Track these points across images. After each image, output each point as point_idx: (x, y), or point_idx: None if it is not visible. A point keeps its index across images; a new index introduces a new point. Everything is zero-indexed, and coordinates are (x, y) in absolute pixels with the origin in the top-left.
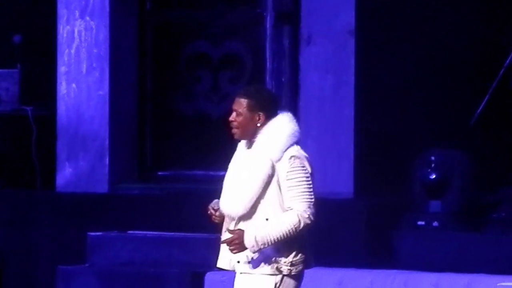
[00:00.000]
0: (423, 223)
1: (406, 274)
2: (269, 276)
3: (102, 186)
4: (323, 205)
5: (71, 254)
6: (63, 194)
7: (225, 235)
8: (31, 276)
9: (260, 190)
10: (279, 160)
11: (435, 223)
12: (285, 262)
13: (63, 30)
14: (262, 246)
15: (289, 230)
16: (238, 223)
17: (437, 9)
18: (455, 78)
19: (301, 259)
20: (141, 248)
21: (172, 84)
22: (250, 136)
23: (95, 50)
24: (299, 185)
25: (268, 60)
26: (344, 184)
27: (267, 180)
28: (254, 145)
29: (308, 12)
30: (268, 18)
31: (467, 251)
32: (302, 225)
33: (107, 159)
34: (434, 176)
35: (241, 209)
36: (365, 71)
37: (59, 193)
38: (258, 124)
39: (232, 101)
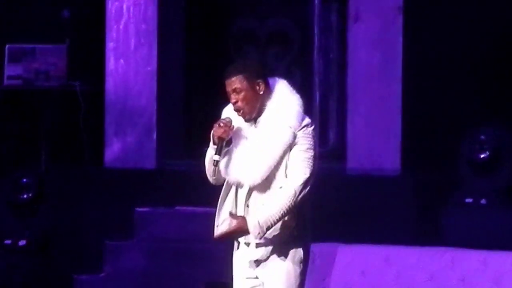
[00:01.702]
0: (471, 200)
1: (453, 251)
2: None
3: (149, 162)
4: (371, 182)
5: (119, 229)
6: (111, 170)
7: (225, 208)
8: (79, 250)
9: (279, 159)
10: (299, 129)
11: (483, 201)
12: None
13: (111, 6)
14: (266, 230)
15: (288, 206)
16: (249, 192)
17: None
18: (505, 55)
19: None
20: (189, 224)
21: (219, 60)
22: (258, 109)
23: (143, 26)
24: (306, 152)
25: (316, 37)
26: (391, 161)
27: (286, 149)
28: (266, 114)
29: None
30: None
31: None
32: (300, 196)
33: (155, 135)
34: (482, 154)
35: (258, 178)
36: (413, 48)
37: (107, 168)
38: (261, 93)
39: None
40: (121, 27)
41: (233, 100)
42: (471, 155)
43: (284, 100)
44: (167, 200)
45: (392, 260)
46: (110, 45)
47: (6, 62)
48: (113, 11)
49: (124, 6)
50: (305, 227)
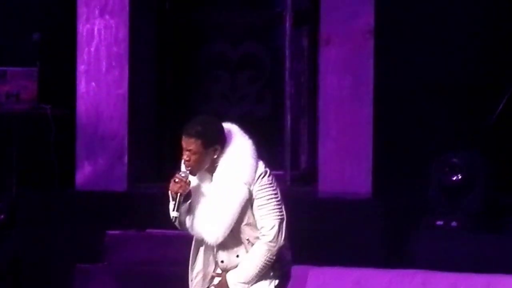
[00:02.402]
0: (441, 223)
1: (424, 273)
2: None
3: (120, 185)
4: (341, 205)
5: (89, 252)
6: (82, 193)
7: (198, 263)
8: (50, 274)
9: (238, 216)
10: (254, 183)
11: (454, 223)
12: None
13: (82, 28)
14: (248, 285)
15: (266, 260)
16: (218, 247)
17: (457, 11)
18: (474, 79)
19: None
20: (160, 247)
21: (190, 84)
22: (209, 167)
23: (114, 49)
24: (268, 203)
25: (287, 61)
26: (362, 185)
27: (246, 204)
28: (220, 170)
29: (327, 12)
30: (287, 18)
31: (486, 251)
32: (275, 249)
33: (126, 158)
34: (452, 177)
35: (220, 237)
36: (384, 72)
37: (78, 191)
38: (215, 156)
39: (185, 138)
40: (92, 49)
41: (186, 158)
42: (443, 178)
43: (237, 153)
44: (138, 223)
45: (363, 283)
46: (81, 68)
47: None
48: (84, 34)
49: (95, 29)
50: (281, 263)
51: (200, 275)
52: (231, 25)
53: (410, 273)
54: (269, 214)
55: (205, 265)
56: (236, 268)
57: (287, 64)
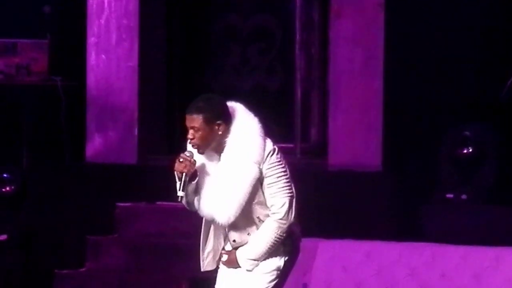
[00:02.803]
0: (451, 196)
1: (434, 246)
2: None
3: (131, 157)
4: (352, 178)
5: (100, 224)
6: (92, 165)
7: (209, 243)
8: (60, 245)
9: (249, 195)
10: (263, 161)
11: (464, 196)
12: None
13: (92, 1)
14: (258, 261)
15: (276, 237)
16: (230, 228)
17: None
18: (488, 51)
19: (296, 239)
20: (170, 219)
21: (201, 56)
22: (216, 147)
23: (124, 21)
24: (278, 181)
25: (297, 33)
26: (373, 157)
27: (256, 183)
28: (228, 150)
29: None
30: None
31: (496, 224)
32: (285, 226)
33: (136, 130)
34: (463, 150)
35: (232, 217)
36: (395, 45)
37: (89, 163)
38: (220, 133)
39: (189, 116)
40: (102, 22)
41: (190, 136)
42: (453, 152)
43: (244, 132)
44: (149, 196)
45: (372, 256)
46: (91, 40)
47: None
48: (94, 6)
49: (106, 1)
50: (292, 239)
51: (211, 255)
52: None
53: (420, 246)
54: (279, 192)
55: (216, 244)
56: (246, 245)
57: (298, 37)
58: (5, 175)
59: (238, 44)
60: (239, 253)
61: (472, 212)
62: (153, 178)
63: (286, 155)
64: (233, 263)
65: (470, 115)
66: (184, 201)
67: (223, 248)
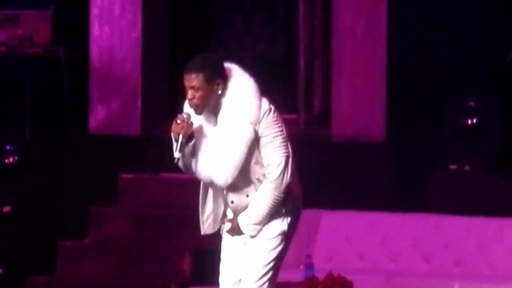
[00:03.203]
0: (455, 166)
1: (437, 217)
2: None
3: (134, 128)
4: (355, 148)
5: (103, 195)
6: (95, 136)
7: (208, 206)
8: (63, 216)
9: (246, 156)
10: (258, 122)
11: (467, 167)
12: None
13: None
14: (261, 226)
15: (274, 198)
16: (228, 189)
17: None
18: (493, 21)
19: (296, 199)
20: (174, 190)
21: (204, 27)
22: (213, 107)
23: None
24: (274, 140)
25: (300, 3)
26: (376, 128)
27: (252, 144)
28: (224, 111)
29: None
30: None
31: (499, 195)
32: (282, 186)
33: (140, 102)
34: (467, 121)
35: (230, 178)
36: (398, 14)
37: (92, 135)
38: (219, 92)
39: (187, 76)
40: None
41: (190, 96)
42: (457, 121)
43: (240, 92)
44: (152, 166)
45: (376, 226)
46: (94, 11)
47: None
48: None
49: None
50: (291, 199)
51: (211, 218)
52: None
53: (423, 217)
54: (275, 151)
55: (215, 207)
56: (246, 210)
57: (301, 6)
58: (8, 147)
59: (241, 15)
60: (240, 219)
61: (475, 182)
62: (156, 149)
63: (290, 125)
64: (236, 230)
65: (474, 85)
66: (180, 163)
67: (224, 214)
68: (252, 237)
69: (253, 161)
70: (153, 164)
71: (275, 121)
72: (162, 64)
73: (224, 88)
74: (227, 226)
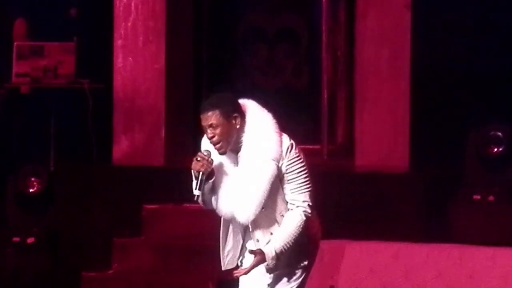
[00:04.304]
0: (478, 197)
1: (461, 247)
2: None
3: (158, 159)
4: (379, 179)
5: (127, 226)
6: (119, 167)
7: (229, 242)
8: (87, 247)
9: (269, 193)
10: (281, 158)
11: (491, 197)
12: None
13: (119, 3)
14: (282, 256)
15: (298, 230)
16: (253, 227)
17: None
18: None
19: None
20: (197, 221)
21: (228, 57)
22: (234, 143)
23: (151, 23)
24: (298, 176)
25: (323, 34)
26: (400, 158)
27: (275, 181)
28: (245, 148)
29: None
30: None
31: None
32: (307, 218)
33: (163, 132)
34: (493, 150)
35: (251, 215)
36: (421, 45)
37: (116, 165)
38: (237, 126)
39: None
40: (129, 24)
41: (210, 135)
42: (479, 150)
43: (259, 129)
44: (176, 197)
45: (400, 257)
46: (118, 42)
47: (14, 60)
48: (121, 8)
49: (132, 4)
50: (310, 233)
51: (231, 253)
52: None
53: (448, 247)
54: (300, 187)
55: (235, 243)
56: (271, 242)
57: (324, 37)
58: (32, 177)
59: (265, 45)
60: (265, 249)
61: (499, 213)
62: (179, 179)
63: (313, 156)
64: (261, 261)
65: (499, 114)
66: (200, 199)
67: (243, 247)
68: (271, 270)
69: (276, 198)
70: (176, 194)
71: (298, 156)
72: (186, 95)
73: (243, 122)
74: (247, 259)
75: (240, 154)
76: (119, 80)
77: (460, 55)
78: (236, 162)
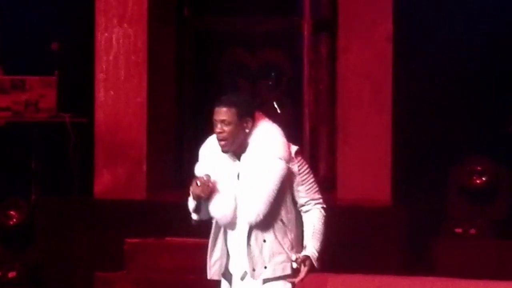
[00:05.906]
0: (460, 230)
1: (444, 281)
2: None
3: (140, 193)
4: (361, 213)
5: (109, 260)
6: (101, 201)
7: (216, 251)
8: (69, 282)
9: (277, 193)
10: (291, 160)
11: (473, 230)
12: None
13: (101, 37)
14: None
15: (324, 226)
16: (249, 231)
17: (476, 19)
18: (496, 85)
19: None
20: (179, 255)
21: (210, 92)
22: (240, 145)
23: (133, 57)
24: (309, 177)
25: (305, 68)
26: (381, 192)
27: (284, 181)
28: (251, 149)
29: (345, 20)
30: (306, 26)
31: (505, 258)
32: (325, 214)
33: (145, 166)
34: (472, 184)
35: (261, 215)
36: (403, 79)
37: (97, 199)
38: (247, 130)
39: (217, 112)
40: (110, 58)
41: (218, 130)
42: (460, 184)
43: (267, 133)
44: (158, 231)
45: None
46: (99, 76)
47: None
48: (103, 43)
49: (114, 37)
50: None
51: (218, 264)
52: (250, 32)
53: (431, 280)
54: (313, 185)
55: (222, 254)
56: (308, 245)
57: (306, 72)
58: (13, 211)
59: (247, 79)
60: (309, 253)
61: (481, 246)
62: (161, 213)
63: None
64: (312, 265)
65: (480, 149)
66: (196, 217)
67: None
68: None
69: (281, 201)
70: (159, 228)
71: (304, 160)
72: (168, 129)
73: (252, 128)
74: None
75: (244, 155)
76: (100, 114)
77: (441, 88)
78: (236, 163)
